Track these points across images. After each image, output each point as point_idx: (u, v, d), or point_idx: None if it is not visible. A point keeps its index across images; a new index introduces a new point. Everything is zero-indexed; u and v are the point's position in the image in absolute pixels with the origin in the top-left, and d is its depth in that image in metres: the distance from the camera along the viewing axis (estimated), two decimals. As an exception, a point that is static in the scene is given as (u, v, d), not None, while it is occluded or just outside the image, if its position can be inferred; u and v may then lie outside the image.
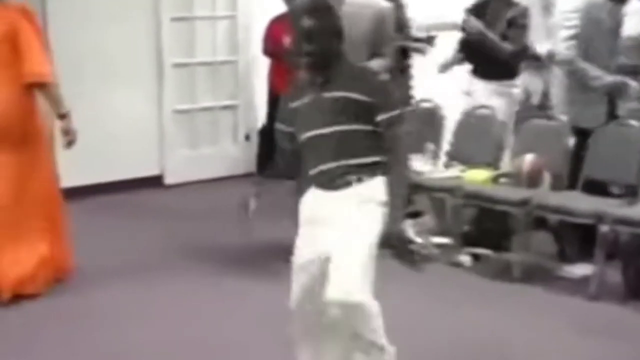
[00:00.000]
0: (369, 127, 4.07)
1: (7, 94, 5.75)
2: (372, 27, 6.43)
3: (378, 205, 4.03)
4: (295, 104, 4.20)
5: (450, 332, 5.40)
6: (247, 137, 9.61)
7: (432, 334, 5.38)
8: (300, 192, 4.25)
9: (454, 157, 7.29)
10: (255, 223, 7.32)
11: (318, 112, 4.10)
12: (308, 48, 4.04)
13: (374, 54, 6.40)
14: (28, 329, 5.47)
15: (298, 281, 4.12)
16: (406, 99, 7.81)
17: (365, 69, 4.59)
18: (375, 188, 4.06)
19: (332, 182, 4.07)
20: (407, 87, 8.18)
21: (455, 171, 7.05)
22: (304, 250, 4.11)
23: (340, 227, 3.98)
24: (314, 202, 4.15)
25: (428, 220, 7.05)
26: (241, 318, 5.66)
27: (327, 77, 4.10)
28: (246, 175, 9.21)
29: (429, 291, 6.07)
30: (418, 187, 6.84)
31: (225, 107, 9.58)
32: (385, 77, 6.09)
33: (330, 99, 4.07)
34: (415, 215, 7.03)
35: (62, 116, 5.89)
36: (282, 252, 4.51)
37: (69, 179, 6.74)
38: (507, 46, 7.12)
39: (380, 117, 4.07)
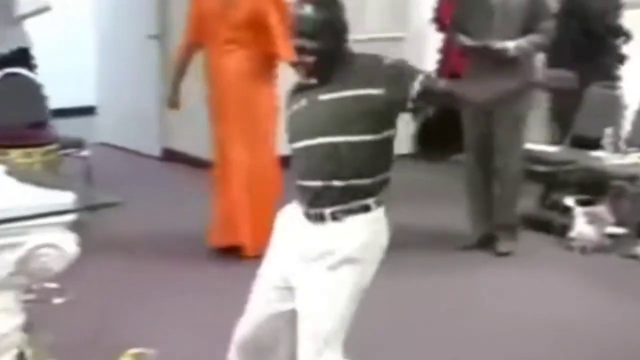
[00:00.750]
0: (371, 137, 3.45)
1: (249, 69, 6.12)
2: None
3: (347, 263, 3.45)
4: (288, 112, 3.63)
5: (623, 328, 5.26)
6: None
7: (604, 329, 5.26)
8: None
9: (634, 143, 7.07)
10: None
11: (310, 119, 3.51)
12: (310, 45, 3.45)
13: (529, 28, 6.20)
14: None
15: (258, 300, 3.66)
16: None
17: (370, 56, 3.63)
18: (349, 235, 3.47)
19: (310, 206, 3.49)
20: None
21: (634, 158, 6.85)
22: (270, 265, 3.64)
23: (306, 290, 3.48)
24: (294, 220, 3.59)
25: (603, 210, 6.78)
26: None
27: (328, 78, 3.49)
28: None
29: (599, 284, 5.98)
30: (594, 174, 6.81)
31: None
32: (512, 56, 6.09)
33: (327, 101, 3.47)
34: (587, 203, 6.80)
35: None
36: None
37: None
38: None
39: (410, 91, 3.41)
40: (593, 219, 6.64)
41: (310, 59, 3.43)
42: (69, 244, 2.07)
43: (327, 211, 3.43)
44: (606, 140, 6.99)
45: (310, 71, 3.47)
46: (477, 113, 6.31)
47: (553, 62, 7.29)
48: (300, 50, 3.46)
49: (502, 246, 6.50)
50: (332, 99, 3.44)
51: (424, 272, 6.09)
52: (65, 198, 2.54)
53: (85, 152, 7.34)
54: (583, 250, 6.52)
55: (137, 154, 8.95)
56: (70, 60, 9.73)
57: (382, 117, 3.43)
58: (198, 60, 6.49)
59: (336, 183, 3.41)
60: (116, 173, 7.92)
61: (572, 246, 6.58)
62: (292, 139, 3.55)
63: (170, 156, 8.82)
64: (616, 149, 6.95)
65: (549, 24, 6.33)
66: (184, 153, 8.67)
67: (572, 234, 6.63)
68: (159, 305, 5.39)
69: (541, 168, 7.18)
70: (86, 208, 2.03)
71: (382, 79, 3.40)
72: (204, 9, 6.20)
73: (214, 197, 6.39)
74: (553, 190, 7.21)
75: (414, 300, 5.60)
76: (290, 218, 3.59)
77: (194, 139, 8.39)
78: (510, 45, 6.14)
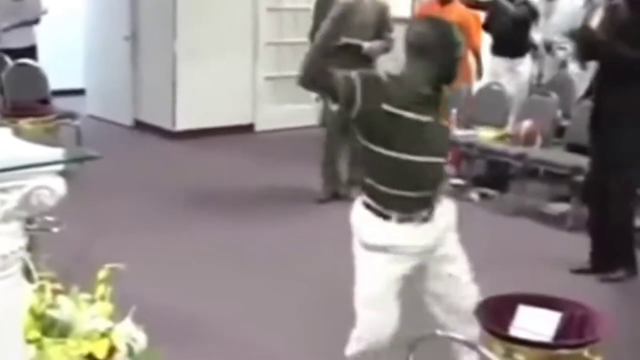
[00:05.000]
0: None
1: None
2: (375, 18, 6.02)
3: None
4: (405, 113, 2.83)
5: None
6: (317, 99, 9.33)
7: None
8: None
9: (475, 120, 7.08)
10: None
11: (436, 137, 2.92)
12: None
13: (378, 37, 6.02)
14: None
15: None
16: None
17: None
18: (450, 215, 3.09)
19: (424, 209, 2.95)
20: None
21: (472, 130, 6.87)
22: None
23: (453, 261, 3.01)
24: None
25: (449, 166, 6.85)
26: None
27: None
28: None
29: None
30: None
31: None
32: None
33: (443, 126, 2.99)
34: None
35: None
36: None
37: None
38: None
39: None
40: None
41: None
42: (59, 187, 2.07)
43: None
44: (452, 117, 7.05)
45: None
46: None
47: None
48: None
49: (355, 194, 6.11)
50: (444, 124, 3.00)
51: (288, 219, 5.86)
52: (58, 152, 2.54)
53: (76, 122, 7.28)
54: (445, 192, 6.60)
55: (115, 123, 8.81)
56: (66, 53, 9.53)
57: None
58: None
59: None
60: (99, 138, 7.82)
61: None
62: (413, 150, 2.84)
63: (140, 126, 8.71)
64: (460, 124, 6.95)
65: (390, 36, 6.08)
66: (150, 124, 8.57)
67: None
68: (128, 235, 5.35)
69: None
70: (73, 160, 2.03)
71: None
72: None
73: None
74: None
75: (268, 245, 5.27)
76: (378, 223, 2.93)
77: (158, 112, 8.37)
78: (366, 45, 5.91)
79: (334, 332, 4.01)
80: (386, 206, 2.85)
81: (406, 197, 2.84)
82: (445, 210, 3.04)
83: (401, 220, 2.84)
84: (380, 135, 2.81)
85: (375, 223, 2.89)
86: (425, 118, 2.84)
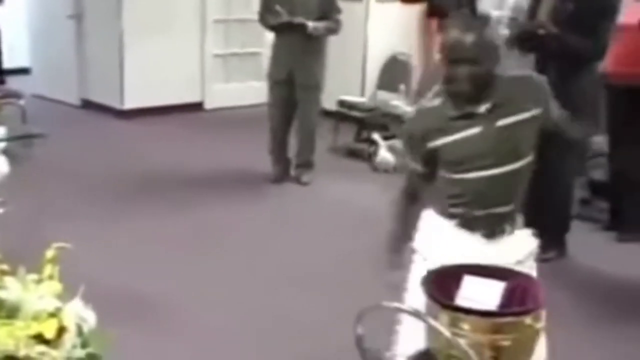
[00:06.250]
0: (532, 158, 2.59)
1: None
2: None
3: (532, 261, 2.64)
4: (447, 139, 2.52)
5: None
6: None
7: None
8: None
9: (421, 95, 6.89)
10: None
11: (491, 145, 2.50)
12: (471, 70, 2.42)
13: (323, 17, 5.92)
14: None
15: None
16: None
17: (518, 75, 2.65)
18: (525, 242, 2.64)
19: (493, 227, 2.57)
20: None
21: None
22: None
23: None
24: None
25: (398, 142, 6.89)
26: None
27: (488, 101, 2.49)
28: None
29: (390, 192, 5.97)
30: (393, 117, 6.85)
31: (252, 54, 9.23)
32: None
33: (506, 126, 2.50)
34: (388, 137, 6.90)
35: None
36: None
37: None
38: None
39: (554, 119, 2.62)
40: (392, 149, 6.76)
41: (468, 84, 2.44)
42: (3, 165, 2.06)
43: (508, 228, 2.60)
44: (400, 93, 7.12)
45: (469, 97, 2.47)
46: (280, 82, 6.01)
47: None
48: (456, 76, 2.44)
49: (305, 177, 6.22)
50: (510, 123, 2.49)
51: (238, 200, 5.80)
52: (0, 131, 2.52)
53: (21, 102, 7.14)
54: (385, 170, 6.66)
55: (62, 103, 8.66)
56: (10, 32, 9.34)
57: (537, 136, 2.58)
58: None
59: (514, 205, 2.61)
60: (45, 117, 7.69)
61: (377, 168, 6.73)
62: (463, 166, 2.52)
63: (87, 105, 8.58)
64: (408, 99, 7.05)
65: (338, 17, 6.00)
66: (98, 102, 8.45)
67: (377, 159, 6.77)
68: (76, 215, 5.29)
69: (355, 113, 7.30)
70: (16, 138, 2.00)
71: (542, 97, 2.56)
72: None
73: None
74: (364, 129, 7.33)
75: (218, 226, 5.23)
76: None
77: (106, 91, 8.26)
78: (310, 24, 5.81)
79: (283, 310, 4.06)
80: None
81: None
82: None
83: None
84: None
85: None
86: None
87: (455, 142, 2.50)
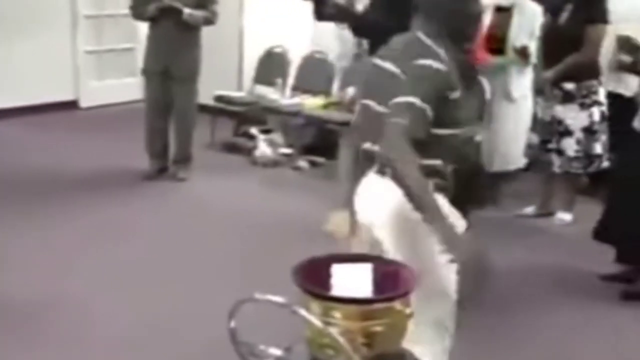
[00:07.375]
0: None
1: None
2: None
3: None
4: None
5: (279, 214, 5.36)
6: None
7: (278, 214, 5.36)
8: None
9: (297, 88, 7.15)
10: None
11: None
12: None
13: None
14: None
15: None
16: None
17: None
18: None
19: None
20: None
21: (297, 99, 6.94)
22: None
23: None
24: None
25: (277, 136, 6.94)
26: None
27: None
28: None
29: (270, 186, 6.11)
30: (271, 111, 6.91)
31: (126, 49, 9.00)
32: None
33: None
34: (267, 131, 6.88)
35: None
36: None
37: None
38: None
39: None
40: (271, 143, 6.78)
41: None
42: None
43: None
44: (277, 86, 7.13)
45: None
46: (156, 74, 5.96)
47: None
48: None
49: (182, 173, 6.12)
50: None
51: (112, 199, 5.65)
52: None
53: None
54: (264, 165, 6.65)
55: None
56: None
57: None
58: None
59: None
60: None
61: (257, 162, 6.70)
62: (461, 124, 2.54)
63: None
64: (284, 93, 7.08)
65: (214, 8, 5.92)
66: None
67: (257, 153, 6.75)
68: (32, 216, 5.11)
69: (233, 108, 7.26)
70: None
71: None
72: None
73: None
74: (242, 123, 7.29)
75: (92, 226, 5.09)
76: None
77: None
78: (186, 10, 5.74)
79: (168, 300, 4.00)
80: None
81: None
82: None
83: None
84: None
85: None
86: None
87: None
